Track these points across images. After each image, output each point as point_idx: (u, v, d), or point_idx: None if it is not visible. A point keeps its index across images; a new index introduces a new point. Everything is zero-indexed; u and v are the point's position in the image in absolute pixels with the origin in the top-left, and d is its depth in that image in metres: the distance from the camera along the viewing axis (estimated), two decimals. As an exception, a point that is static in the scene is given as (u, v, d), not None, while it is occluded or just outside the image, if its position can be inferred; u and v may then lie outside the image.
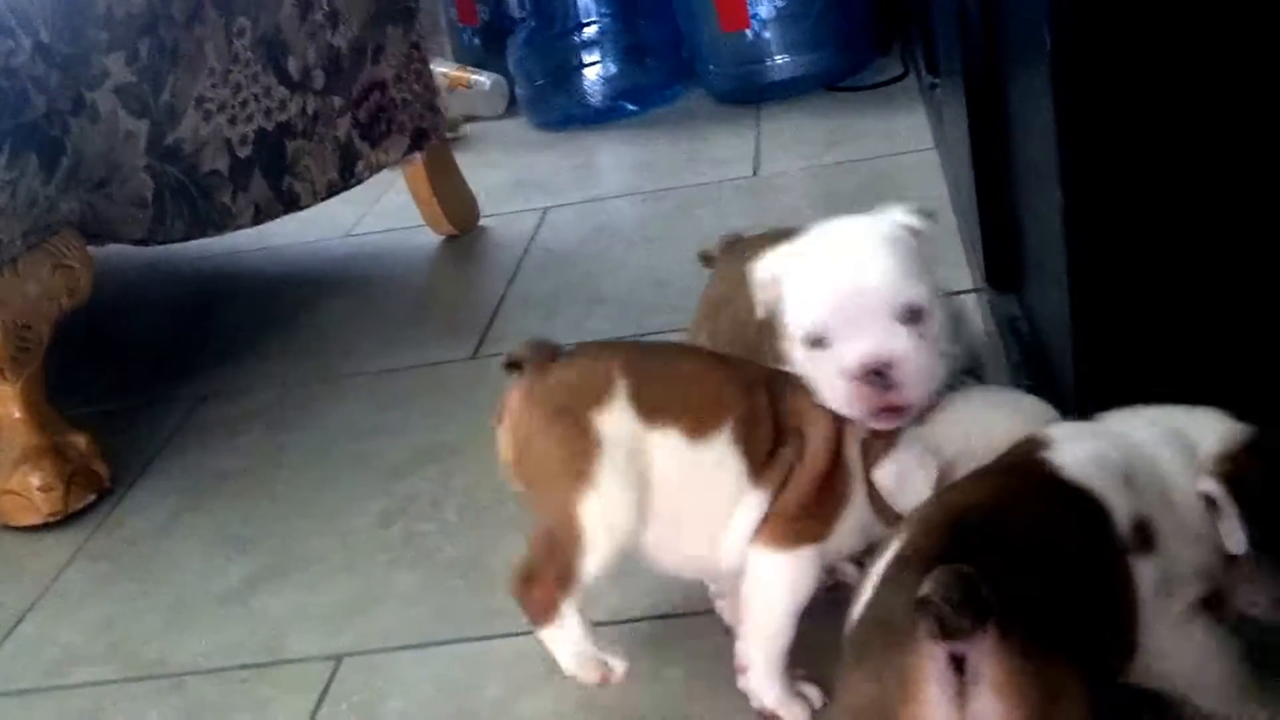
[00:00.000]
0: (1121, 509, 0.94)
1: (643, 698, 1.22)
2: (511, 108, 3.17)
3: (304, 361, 2.09)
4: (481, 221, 2.52)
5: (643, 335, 1.91)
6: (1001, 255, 1.58)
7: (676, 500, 1.12)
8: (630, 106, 2.99)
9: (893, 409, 1.08)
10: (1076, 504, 0.94)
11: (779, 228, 1.31)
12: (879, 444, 1.10)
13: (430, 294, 2.30)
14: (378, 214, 2.67)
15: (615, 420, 1.10)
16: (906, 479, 1.08)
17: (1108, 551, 0.93)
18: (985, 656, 0.79)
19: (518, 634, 1.28)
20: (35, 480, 1.71)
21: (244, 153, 2.01)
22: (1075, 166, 1.09)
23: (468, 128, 3.08)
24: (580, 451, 1.09)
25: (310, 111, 2.12)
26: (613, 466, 1.09)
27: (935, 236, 1.16)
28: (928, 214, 1.16)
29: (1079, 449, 0.98)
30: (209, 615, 1.51)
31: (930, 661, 0.80)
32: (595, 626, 1.19)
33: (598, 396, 1.11)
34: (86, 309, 1.77)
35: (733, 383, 1.13)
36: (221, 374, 2.09)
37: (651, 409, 1.11)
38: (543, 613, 1.15)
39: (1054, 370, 1.28)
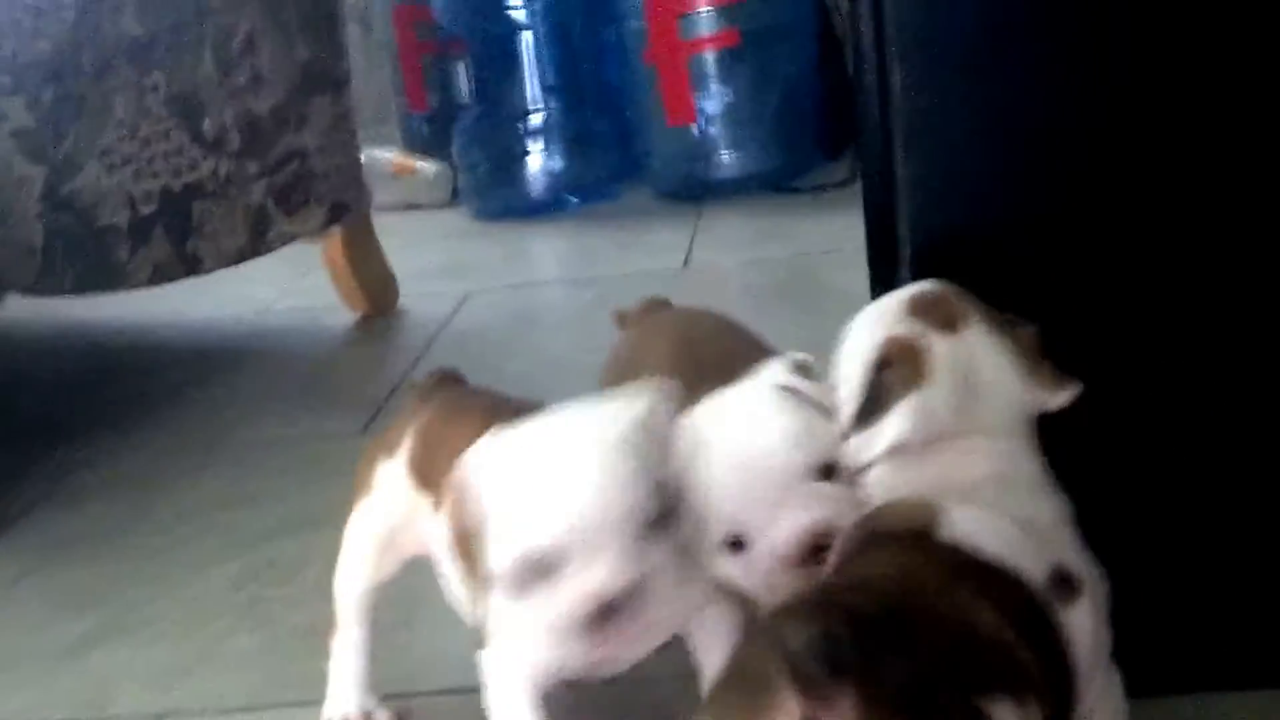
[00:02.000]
0: (1033, 565, 0.86)
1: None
2: (455, 197, 3.14)
3: (190, 431, 2.04)
4: (401, 304, 2.47)
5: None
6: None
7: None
8: (572, 199, 2.96)
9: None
10: (979, 575, 0.85)
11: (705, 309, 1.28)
12: None
13: (332, 370, 2.25)
14: (299, 292, 2.63)
15: (390, 474, 1.13)
16: None
17: (1027, 616, 0.85)
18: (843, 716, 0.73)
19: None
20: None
21: (147, 210, 1.98)
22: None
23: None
24: (358, 485, 1.13)
25: (223, 174, 2.09)
26: (370, 518, 1.12)
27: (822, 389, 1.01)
28: (805, 367, 1.02)
29: (971, 516, 0.88)
30: (39, 671, 1.45)
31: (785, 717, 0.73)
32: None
33: (390, 447, 1.13)
34: None
35: None
36: (104, 441, 2.03)
37: (423, 476, 1.09)
38: None
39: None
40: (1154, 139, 1.02)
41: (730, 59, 2.81)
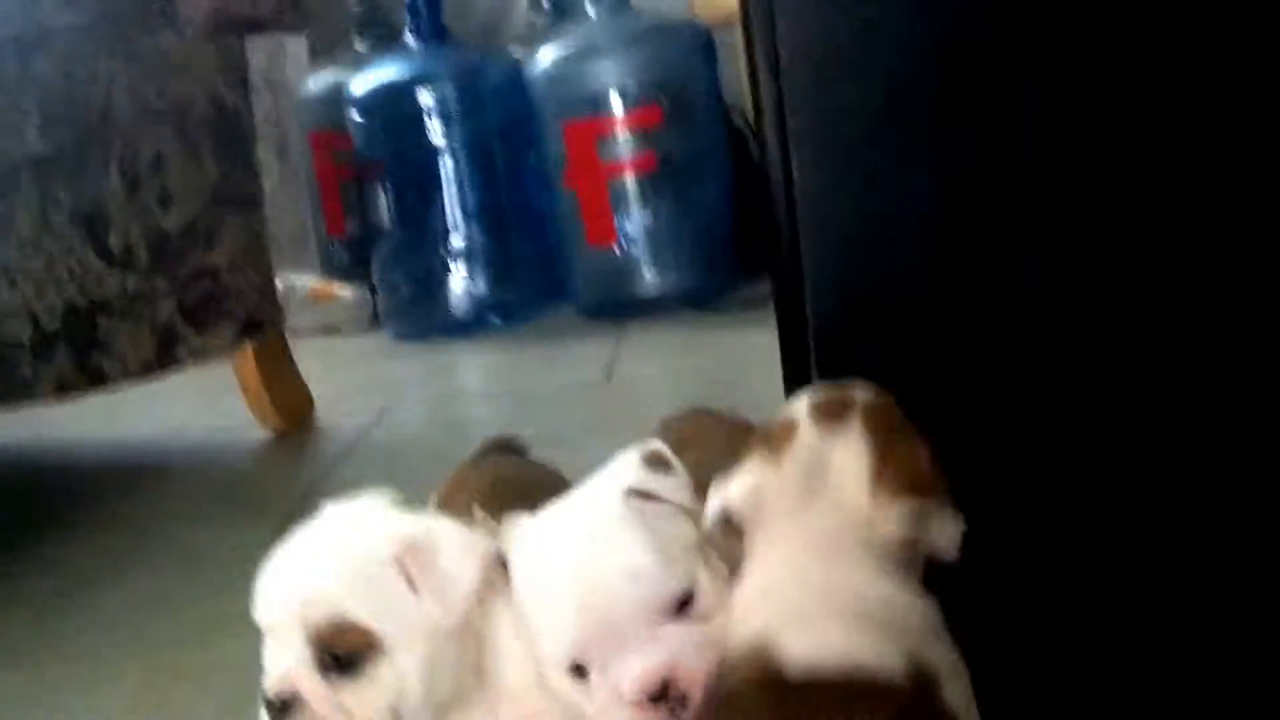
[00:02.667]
0: (892, 660, 0.80)
1: None
2: (375, 323, 3.12)
3: (102, 541, 1.99)
4: (318, 422, 2.43)
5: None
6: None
7: None
8: (495, 319, 2.94)
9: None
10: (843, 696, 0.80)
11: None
12: None
13: (246, 482, 2.19)
14: (217, 410, 2.58)
15: None
16: None
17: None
18: None
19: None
20: None
21: (50, 326, 1.94)
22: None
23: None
24: None
25: (130, 291, 2.05)
26: None
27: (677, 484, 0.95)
28: (659, 459, 0.95)
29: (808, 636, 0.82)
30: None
31: None
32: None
33: None
34: None
35: None
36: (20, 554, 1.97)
37: None
38: None
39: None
40: (1044, 220, 1.02)
41: (650, 182, 2.84)
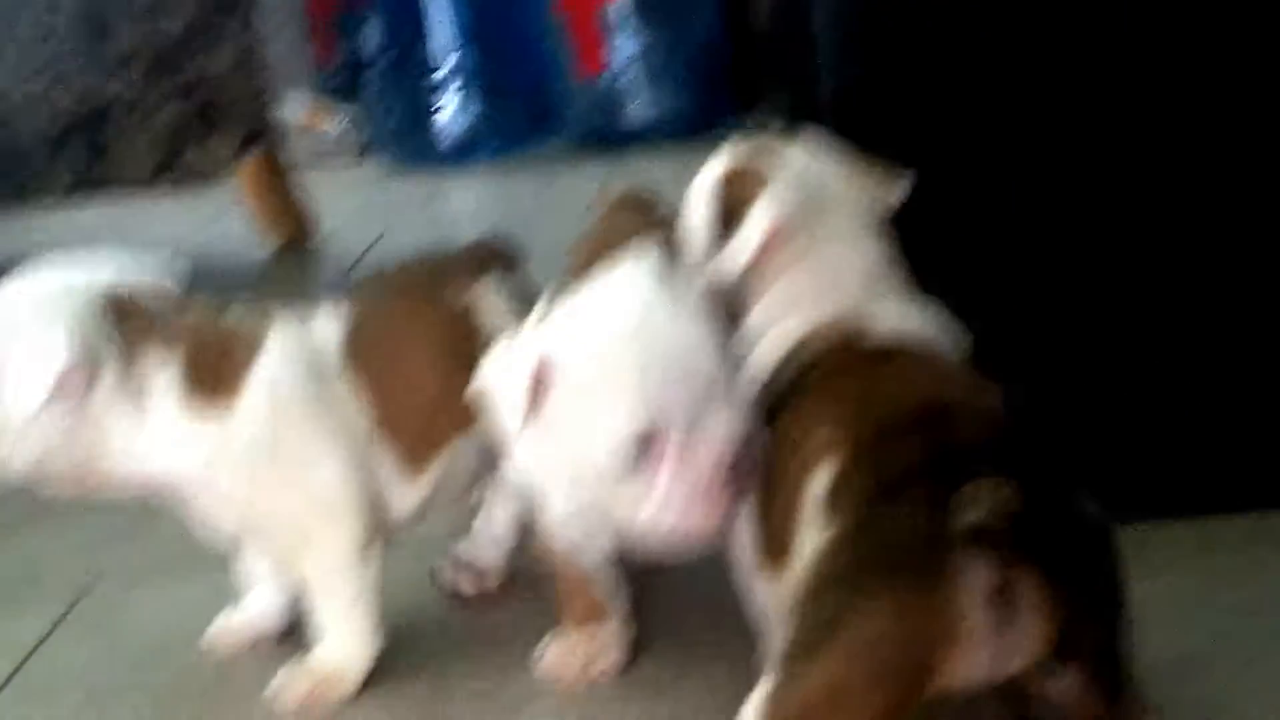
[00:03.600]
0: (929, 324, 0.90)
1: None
2: (364, 152, 3.12)
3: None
4: (316, 244, 2.44)
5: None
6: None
7: None
8: (485, 151, 2.95)
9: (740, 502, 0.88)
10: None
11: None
12: None
13: (255, 293, 2.20)
14: (213, 232, 2.58)
15: None
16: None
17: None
18: (1030, 583, 0.70)
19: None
20: None
21: (59, 127, 1.96)
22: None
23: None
24: None
25: (130, 95, 2.06)
26: None
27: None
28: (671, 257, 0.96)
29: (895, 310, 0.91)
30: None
31: (974, 596, 0.70)
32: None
33: None
34: None
35: None
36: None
37: None
38: None
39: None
40: None
41: (639, 8, 2.83)
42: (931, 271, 0.95)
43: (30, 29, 1.90)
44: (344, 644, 1.01)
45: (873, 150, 1.00)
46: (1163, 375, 1.10)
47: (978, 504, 0.69)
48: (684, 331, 0.88)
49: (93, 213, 2.76)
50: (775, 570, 0.83)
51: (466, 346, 1.00)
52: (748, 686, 0.77)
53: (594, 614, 1.01)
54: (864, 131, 1.06)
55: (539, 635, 1.02)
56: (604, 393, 0.86)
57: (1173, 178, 1.06)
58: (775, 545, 0.84)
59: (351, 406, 1.01)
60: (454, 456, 1.05)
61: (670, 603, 1.09)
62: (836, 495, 0.78)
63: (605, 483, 0.87)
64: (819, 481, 0.79)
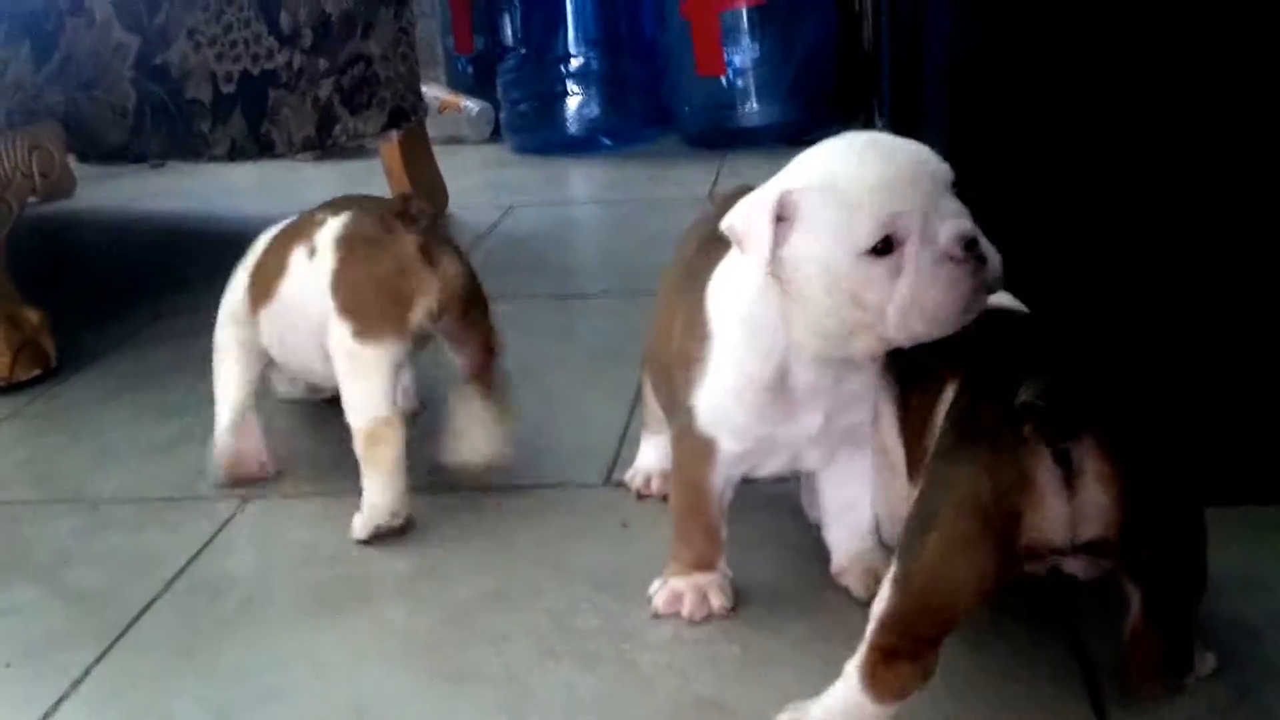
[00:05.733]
0: None
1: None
2: (495, 135, 3.31)
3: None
4: (450, 213, 2.63)
5: (583, 295, 2.03)
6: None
7: None
8: (606, 141, 3.13)
9: (985, 289, 0.97)
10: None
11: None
12: None
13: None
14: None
15: None
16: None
17: None
18: (1088, 452, 0.86)
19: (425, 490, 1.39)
20: (-16, 344, 1.78)
21: (227, 89, 2.13)
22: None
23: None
24: None
25: (296, 66, 2.24)
26: None
27: None
28: None
29: None
30: (133, 460, 1.58)
31: (1039, 457, 0.86)
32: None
33: None
34: (67, 250, 1.84)
35: None
36: (180, 300, 2.16)
37: None
38: None
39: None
40: None
41: (760, 15, 2.98)
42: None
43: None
44: None
45: (982, 162, 1.13)
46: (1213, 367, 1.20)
47: (1033, 388, 0.85)
48: (907, 144, 0.99)
49: (253, 172, 2.99)
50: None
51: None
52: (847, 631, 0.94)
53: (703, 563, 1.15)
54: (976, 146, 1.20)
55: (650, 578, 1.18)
56: (847, 201, 0.96)
57: (1175, 180, 1.18)
58: (916, 469, 1.01)
59: None
60: None
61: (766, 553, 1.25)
62: (947, 416, 0.95)
63: (858, 280, 0.97)
64: (939, 411, 0.97)
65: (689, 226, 1.32)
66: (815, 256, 0.98)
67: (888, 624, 0.90)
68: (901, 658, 0.90)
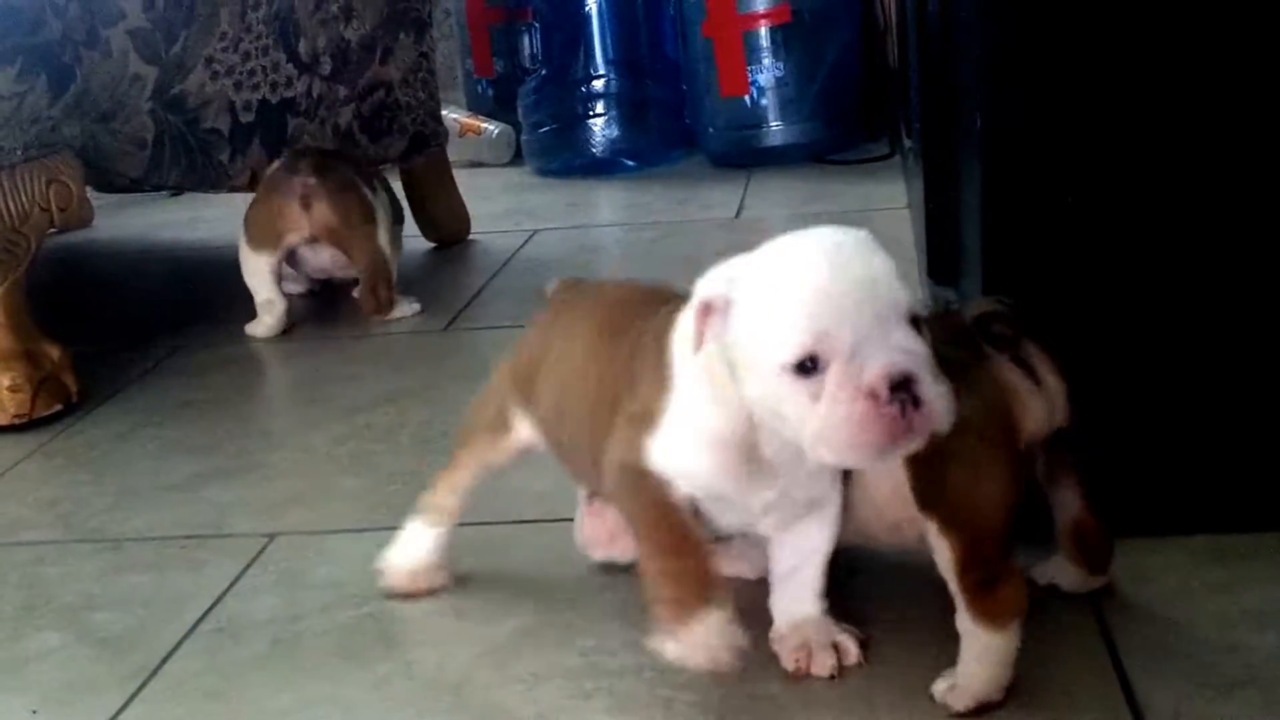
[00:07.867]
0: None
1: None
2: (516, 158, 3.28)
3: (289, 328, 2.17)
4: (471, 238, 2.61)
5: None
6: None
7: None
8: (629, 163, 3.10)
9: (911, 433, 0.90)
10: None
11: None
12: None
13: (416, 284, 2.34)
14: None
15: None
16: None
17: None
18: (1035, 353, 1.02)
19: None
20: (4, 380, 1.76)
21: (246, 118, 2.10)
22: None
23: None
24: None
25: (315, 94, 2.22)
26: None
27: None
28: None
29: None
30: (155, 500, 1.55)
31: (1007, 368, 1.01)
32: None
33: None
34: (85, 281, 1.84)
35: None
36: (199, 331, 2.15)
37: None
38: None
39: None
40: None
41: (783, 35, 2.96)
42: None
43: (229, 27, 2.06)
44: None
45: (1025, 181, 1.16)
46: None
47: (982, 303, 1.05)
48: (869, 261, 0.91)
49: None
50: None
51: None
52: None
53: (692, 600, 1.01)
54: (1016, 164, 1.18)
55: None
56: (777, 311, 0.91)
57: (1215, 191, 1.16)
58: None
59: None
60: None
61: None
62: None
63: (779, 394, 0.91)
64: None
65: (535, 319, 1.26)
66: (744, 359, 0.94)
67: (961, 565, 0.98)
68: (992, 584, 0.98)
